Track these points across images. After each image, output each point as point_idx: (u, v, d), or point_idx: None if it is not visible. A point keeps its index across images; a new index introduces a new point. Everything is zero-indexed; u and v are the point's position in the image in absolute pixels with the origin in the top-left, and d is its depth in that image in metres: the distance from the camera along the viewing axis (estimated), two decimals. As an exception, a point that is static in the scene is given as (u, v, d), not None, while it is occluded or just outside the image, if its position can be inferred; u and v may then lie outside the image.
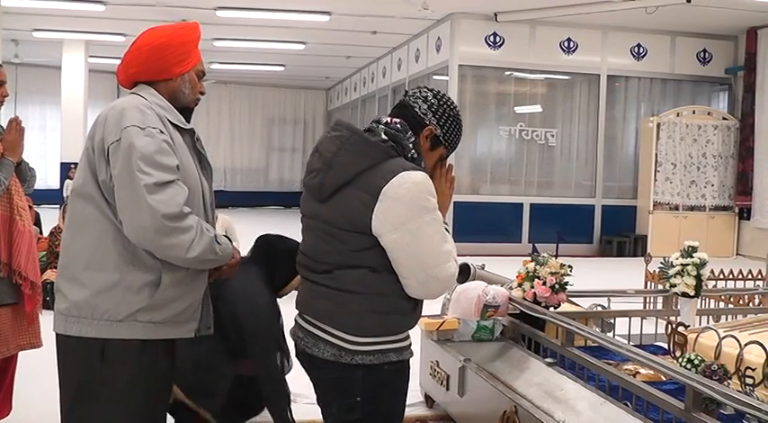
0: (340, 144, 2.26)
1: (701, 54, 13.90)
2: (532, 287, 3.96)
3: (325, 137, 2.34)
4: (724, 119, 13.54)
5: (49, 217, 9.36)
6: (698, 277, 4.09)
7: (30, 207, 3.82)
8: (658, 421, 2.83)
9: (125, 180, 2.21)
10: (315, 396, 2.45)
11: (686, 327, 3.66)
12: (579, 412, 3.03)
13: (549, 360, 3.53)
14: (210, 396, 3.09)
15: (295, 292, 2.53)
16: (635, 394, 2.96)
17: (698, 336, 3.34)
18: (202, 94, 2.58)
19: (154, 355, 2.36)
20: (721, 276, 6.44)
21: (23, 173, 3.78)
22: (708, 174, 13.36)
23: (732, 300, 5.97)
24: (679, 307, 4.33)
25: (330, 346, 2.25)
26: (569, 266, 4.01)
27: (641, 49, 13.63)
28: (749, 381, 2.97)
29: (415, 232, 2.16)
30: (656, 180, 13.11)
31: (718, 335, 3.20)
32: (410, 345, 2.36)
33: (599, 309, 4.51)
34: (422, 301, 2.35)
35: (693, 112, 13.53)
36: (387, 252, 2.19)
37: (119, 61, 2.54)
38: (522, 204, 13.32)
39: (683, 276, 4.11)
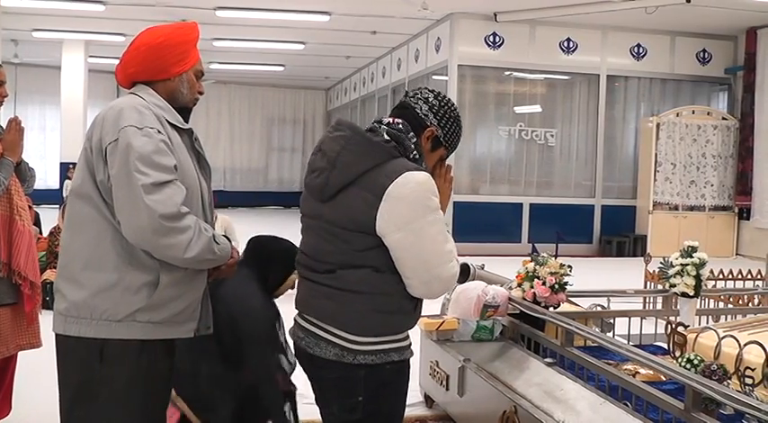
0: (344, 144, 2.26)
1: (701, 54, 13.90)
2: (532, 287, 3.96)
3: (328, 136, 2.34)
4: (723, 119, 13.54)
5: (49, 217, 9.36)
6: (697, 277, 4.09)
7: (29, 207, 3.82)
8: (658, 421, 2.83)
9: (122, 180, 2.20)
10: (314, 396, 2.46)
11: (686, 327, 3.66)
12: (579, 412, 3.03)
13: (548, 360, 3.53)
14: (217, 411, 3.08)
15: (290, 292, 2.52)
16: (634, 394, 2.96)
17: (697, 336, 3.34)
18: (201, 93, 2.57)
19: (153, 355, 2.36)
20: (721, 276, 6.44)
21: (23, 173, 3.78)
22: (707, 174, 13.36)
23: (732, 300, 5.97)
24: (678, 307, 4.33)
25: (332, 346, 2.25)
26: (569, 266, 4.01)
27: (641, 49, 13.63)
28: (749, 381, 2.97)
29: (419, 232, 2.17)
30: (655, 180, 13.11)
31: (718, 335, 3.20)
32: (410, 344, 2.37)
33: (599, 309, 4.51)
34: (422, 300, 2.36)
35: (693, 112, 13.53)
36: (390, 252, 2.20)
37: (118, 61, 2.54)
38: (521, 204, 13.32)
39: (682, 276, 4.11)
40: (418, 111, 2.36)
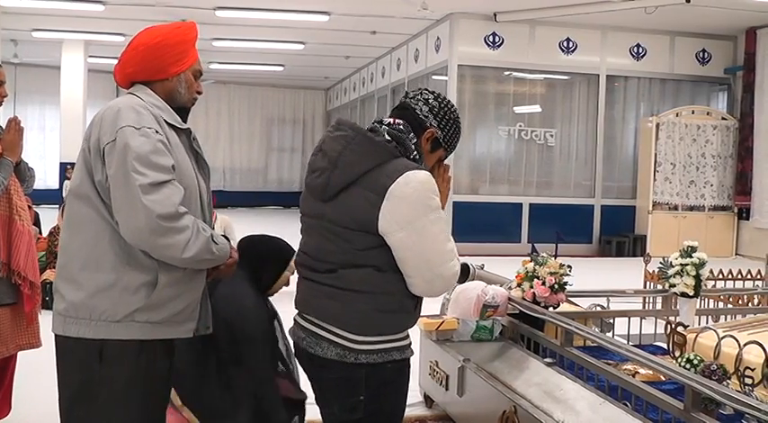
0: (345, 144, 2.27)
1: (701, 54, 13.90)
2: (532, 287, 3.96)
3: (329, 136, 2.35)
4: (723, 119, 13.54)
5: (49, 217, 9.36)
6: (697, 277, 4.09)
7: (29, 207, 3.82)
8: (657, 421, 2.83)
9: (120, 180, 2.20)
10: (314, 396, 2.46)
11: (685, 327, 3.66)
12: (578, 412, 3.03)
13: (548, 360, 3.53)
14: (231, 418, 3.07)
15: (289, 291, 2.52)
16: (634, 394, 2.96)
17: (697, 336, 3.34)
18: (199, 93, 2.57)
19: (152, 355, 2.36)
20: (720, 276, 6.45)
21: (22, 173, 3.78)
22: (707, 174, 13.36)
23: (731, 300, 5.98)
24: (678, 307, 4.33)
25: (334, 346, 2.26)
26: (568, 266, 4.01)
27: (640, 49, 13.63)
28: (748, 381, 2.97)
29: (421, 231, 2.18)
30: (655, 180, 13.11)
31: (718, 335, 3.20)
32: (411, 343, 2.38)
33: (598, 309, 4.51)
34: (422, 299, 2.37)
35: (693, 112, 13.53)
36: (393, 251, 2.21)
37: (117, 61, 2.54)
38: (521, 204, 13.32)
39: (682, 276, 4.11)
40: (418, 112, 2.37)
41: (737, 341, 3.04)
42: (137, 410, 2.36)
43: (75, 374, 2.33)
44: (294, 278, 2.59)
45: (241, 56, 18.07)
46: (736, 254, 13.41)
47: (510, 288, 4.14)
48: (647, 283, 6.95)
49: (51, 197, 15.59)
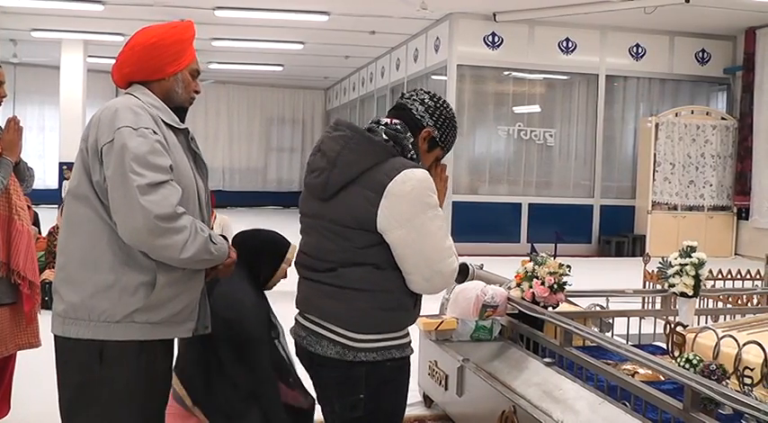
0: (344, 143, 2.29)
1: (700, 54, 13.91)
2: (531, 287, 3.96)
3: (327, 136, 2.37)
4: (722, 119, 13.54)
5: (48, 217, 9.37)
6: (696, 277, 4.09)
7: (28, 207, 3.82)
8: (657, 421, 2.83)
9: (118, 181, 2.20)
10: (315, 395, 2.48)
11: (685, 326, 3.66)
12: (578, 412, 3.03)
13: (547, 360, 3.53)
14: (244, 419, 3.06)
15: (290, 291, 2.52)
16: (633, 394, 2.96)
17: (696, 335, 3.34)
18: (197, 93, 2.57)
19: (152, 355, 2.36)
20: (720, 276, 6.45)
21: (22, 173, 3.78)
22: (706, 174, 13.36)
23: (730, 300, 5.98)
24: (677, 307, 4.33)
25: (333, 345, 2.27)
26: (568, 266, 4.01)
27: (640, 49, 13.63)
28: (747, 380, 2.97)
29: (420, 228, 2.20)
30: (654, 180, 13.11)
31: (717, 335, 3.20)
32: (411, 341, 2.39)
33: (597, 308, 4.51)
34: (421, 297, 2.39)
35: (692, 112, 13.53)
36: (392, 248, 2.23)
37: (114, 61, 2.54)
38: (520, 204, 13.32)
39: (681, 276, 4.11)
40: (414, 112, 2.40)
41: (737, 341, 3.04)
42: (138, 411, 2.36)
43: (75, 375, 2.33)
44: (293, 271, 2.59)
45: (240, 56, 18.06)
46: (736, 254, 13.42)
47: (509, 288, 4.14)
48: (647, 282, 6.95)
49: (50, 197, 15.58)
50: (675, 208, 13.27)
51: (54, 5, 13.17)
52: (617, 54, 13.56)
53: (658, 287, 5.44)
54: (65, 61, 16.59)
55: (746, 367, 3.00)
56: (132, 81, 2.49)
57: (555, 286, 3.93)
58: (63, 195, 11.15)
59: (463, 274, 4.39)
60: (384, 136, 2.30)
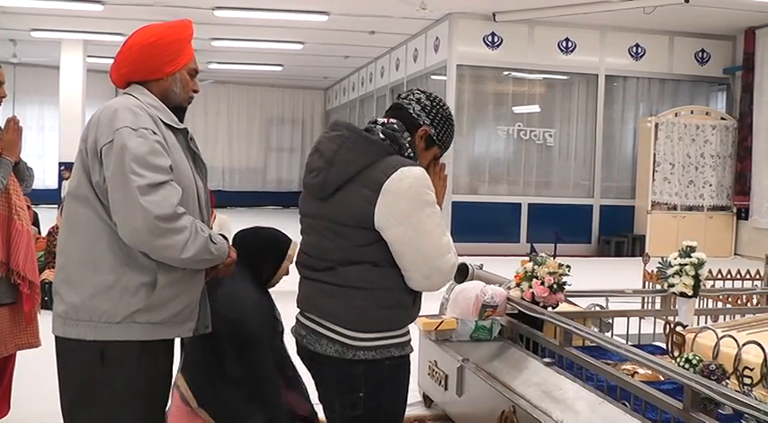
0: (341, 143, 2.31)
1: (699, 54, 13.91)
2: (530, 287, 3.96)
3: (325, 137, 2.39)
4: (722, 119, 13.54)
5: (47, 217, 9.36)
6: (696, 277, 4.09)
7: (28, 207, 3.82)
8: (656, 421, 2.83)
9: (118, 182, 2.20)
10: (317, 394, 2.49)
11: (684, 326, 3.66)
12: (577, 412, 3.03)
13: (547, 360, 3.53)
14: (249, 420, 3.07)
15: (288, 291, 2.53)
16: (633, 394, 2.96)
17: (696, 335, 3.34)
18: (196, 92, 2.56)
19: (153, 355, 2.36)
20: (719, 276, 6.45)
21: (21, 172, 3.78)
22: (706, 174, 13.36)
23: (730, 300, 5.98)
24: (677, 307, 4.33)
25: (332, 343, 2.29)
26: (567, 266, 4.01)
27: (639, 49, 13.63)
28: (747, 380, 2.97)
29: (417, 226, 2.22)
30: (654, 180, 13.11)
31: (717, 335, 3.20)
32: (410, 340, 2.40)
33: (597, 308, 4.51)
34: (421, 294, 2.40)
35: (692, 112, 13.53)
36: (390, 246, 2.25)
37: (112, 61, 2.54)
38: (520, 204, 13.32)
39: (681, 276, 4.11)
40: (411, 111, 2.42)
41: (736, 341, 3.04)
42: (140, 410, 2.37)
43: (77, 376, 2.33)
44: (295, 268, 2.60)
45: (240, 56, 18.06)
46: (735, 254, 13.42)
47: (509, 288, 4.15)
48: (646, 282, 6.95)
49: (50, 197, 15.57)
50: (675, 208, 13.28)
51: (54, 5, 13.16)
52: (617, 54, 13.56)
53: (658, 287, 5.44)
54: (64, 61, 16.59)
55: (746, 367, 3.00)
56: (130, 81, 2.48)
57: (554, 286, 3.93)
58: (62, 195, 11.08)
59: (463, 274, 4.39)
60: (381, 135, 2.32)
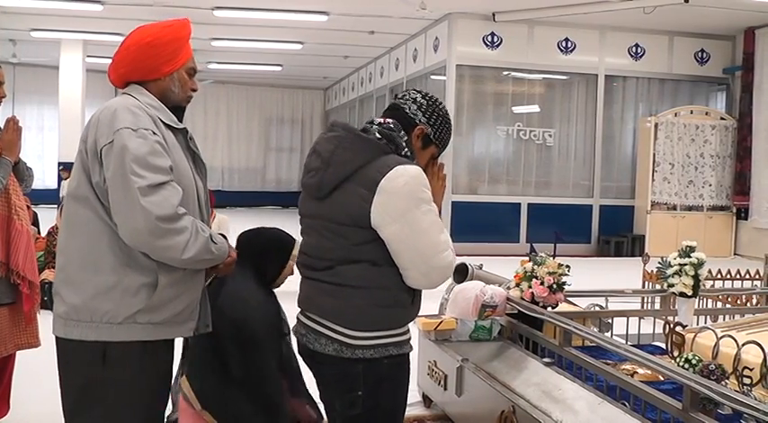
0: (337, 143, 2.33)
1: (699, 54, 13.91)
2: (530, 287, 3.96)
3: (322, 137, 2.42)
4: (722, 119, 13.55)
5: (47, 217, 9.36)
6: (695, 277, 4.10)
7: (27, 207, 3.82)
8: (656, 421, 2.83)
9: (118, 183, 2.20)
10: (319, 393, 2.50)
11: (684, 326, 3.67)
12: (577, 412, 3.03)
13: (546, 360, 3.53)
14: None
15: (290, 291, 2.53)
16: (633, 394, 2.96)
17: (695, 335, 3.34)
18: (194, 91, 2.56)
19: (155, 355, 2.37)
20: (719, 276, 6.45)
21: (21, 172, 3.78)
22: (705, 174, 13.37)
23: (730, 300, 5.98)
24: (677, 307, 4.33)
25: (331, 342, 2.30)
26: (567, 266, 4.01)
27: (639, 49, 13.63)
28: (747, 380, 2.97)
29: (413, 223, 2.23)
30: (653, 180, 13.11)
31: (716, 335, 3.20)
32: (410, 338, 2.41)
33: (597, 309, 4.51)
34: (420, 293, 2.41)
35: (691, 112, 13.54)
36: (387, 244, 2.26)
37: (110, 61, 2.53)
38: (519, 204, 13.32)
39: (680, 276, 4.11)
40: (407, 110, 2.44)
41: (736, 341, 3.04)
42: (141, 411, 2.37)
43: (78, 377, 2.33)
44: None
45: (239, 56, 18.06)
46: (735, 254, 13.42)
47: (508, 288, 4.15)
48: (646, 282, 6.95)
49: (50, 197, 15.57)
50: (675, 208, 13.28)
51: (53, 5, 13.16)
52: (616, 54, 13.56)
53: (657, 287, 5.44)
54: (64, 61, 16.58)
55: (745, 367, 3.00)
56: (129, 81, 2.48)
57: (554, 286, 3.93)
58: (61, 195, 11.10)
59: (462, 274, 4.39)
60: (377, 135, 2.34)
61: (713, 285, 6.07)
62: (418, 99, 2.45)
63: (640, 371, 3.54)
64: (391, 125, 2.38)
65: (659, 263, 4.29)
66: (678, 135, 13.17)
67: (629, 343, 4.10)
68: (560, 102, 13.90)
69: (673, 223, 13.11)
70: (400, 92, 2.51)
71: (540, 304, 3.93)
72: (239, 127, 23.94)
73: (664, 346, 3.70)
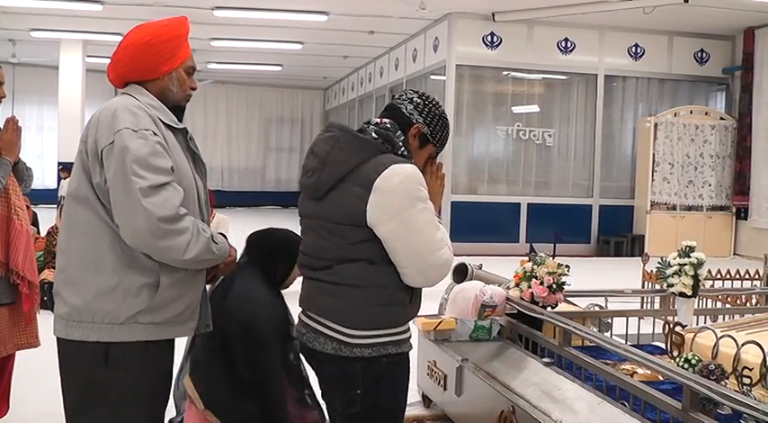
0: (333, 143, 2.35)
1: (699, 54, 13.91)
2: (530, 287, 3.96)
3: (319, 138, 2.44)
4: (721, 119, 13.55)
5: (47, 217, 9.37)
6: (695, 277, 4.10)
7: (27, 207, 3.82)
8: (656, 421, 2.83)
9: (120, 184, 2.20)
10: (320, 392, 2.53)
11: (683, 326, 3.67)
12: (576, 412, 3.04)
13: (546, 360, 3.53)
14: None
15: (292, 291, 2.54)
16: (632, 394, 2.96)
17: (695, 335, 3.34)
18: (194, 89, 2.55)
19: (156, 355, 2.37)
20: (718, 276, 6.46)
21: (21, 172, 3.78)
22: (705, 174, 13.37)
23: (729, 300, 5.98)
24: (676, 307, 4.33)
25: (330, 341, 2.31)
26: (567, 266, 4.01)
27: (639, 49, 13.63)
28: (746, 380, 2.97)
29: (409, 222, 2.24)
30: (653, 180, 13.11)
31: (716, 335, 3.20)
32: (409, 337, 2.42)
33: (596, 308, 4.51)
34: (419, 292, 2.41)
35: (691, 112, 13.54)
36: (383, 243, 2.27)
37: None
38: (519, 204, 13.32)
39: (680, 276, 4.11)
40: (404, 110, 2.46)
41: (735, 341, 3.04)
42: (143, 411, 2.37)
43: (80, 378, 2.33)
44: None
45: (239, 56, 18.05)
46: (735, 254, 13.42)
47: (508, 288, 4.15)
48: (646, 282, 6.95)
49: (49, 197, 15.57)
50: (674, 208, 13.28)
51: (53, 5, 13.15)
52: (616, 54, 13.56)
53: (657, 287, 5.44)
54: (64, 61, 16.58)
55: (745, 367, 3.00)
56: (128, 81, 2.48)
57: (554, 286, 3.93)
58: (60, 195, 11.09)
59: (462, 273, 4.40)
60: (374, 135, 2.36)
61: (713, 285, 6.07)
62: (414, 99, 2.46)
63: (640, 371, 3.54)
64: (388, 125, 2.40)
65: (659, 263, 4.29)
66: (678, 135, 13.17)
67: (628, 343, 4.10)
68: (560, 102, 13.90)
69: (672, 223, 13.11)
70: (397, 93, 2.53)
71: (540, 304, 3.93)
72: (239, 127, 23.94)
73: (663, 346, 3.70)
